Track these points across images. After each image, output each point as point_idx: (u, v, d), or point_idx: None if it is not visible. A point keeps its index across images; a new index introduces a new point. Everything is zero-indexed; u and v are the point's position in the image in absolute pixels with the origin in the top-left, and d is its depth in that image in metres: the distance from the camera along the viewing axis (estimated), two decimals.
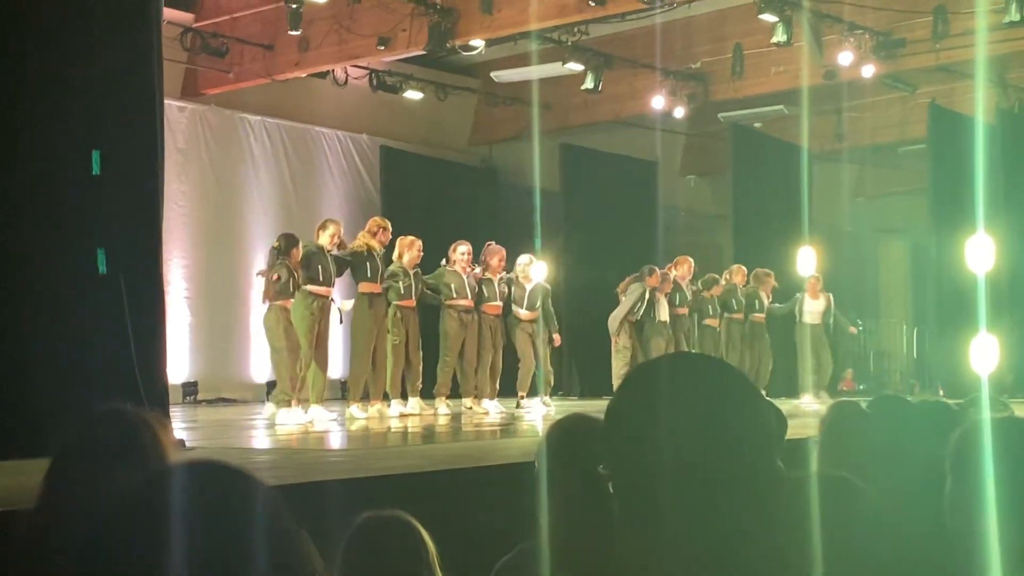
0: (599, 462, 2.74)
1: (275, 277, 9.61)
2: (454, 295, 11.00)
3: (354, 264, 10.43)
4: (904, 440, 3.64)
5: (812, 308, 13.87)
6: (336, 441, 8.47)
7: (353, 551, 2.70)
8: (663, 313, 12.84)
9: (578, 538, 2.70)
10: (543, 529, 2.72)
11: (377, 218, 10.89)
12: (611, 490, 1.57)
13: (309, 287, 9.82)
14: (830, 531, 1.86)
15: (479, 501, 4.62)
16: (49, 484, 2.29)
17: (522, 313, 11.70)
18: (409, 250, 10.67)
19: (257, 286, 10.74)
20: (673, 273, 13.27)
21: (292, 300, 9.68)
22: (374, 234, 10.54)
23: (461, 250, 11.09)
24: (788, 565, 1.51)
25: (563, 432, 2.89)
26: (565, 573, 2.64)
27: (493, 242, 11.72)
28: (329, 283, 10.00)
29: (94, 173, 6.35)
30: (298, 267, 9.71)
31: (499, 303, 11.48)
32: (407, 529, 2.71)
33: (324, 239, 10.07)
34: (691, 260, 13.55)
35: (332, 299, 10.11)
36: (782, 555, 1.52)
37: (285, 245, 9.74)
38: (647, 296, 12.63)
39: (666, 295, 12.93)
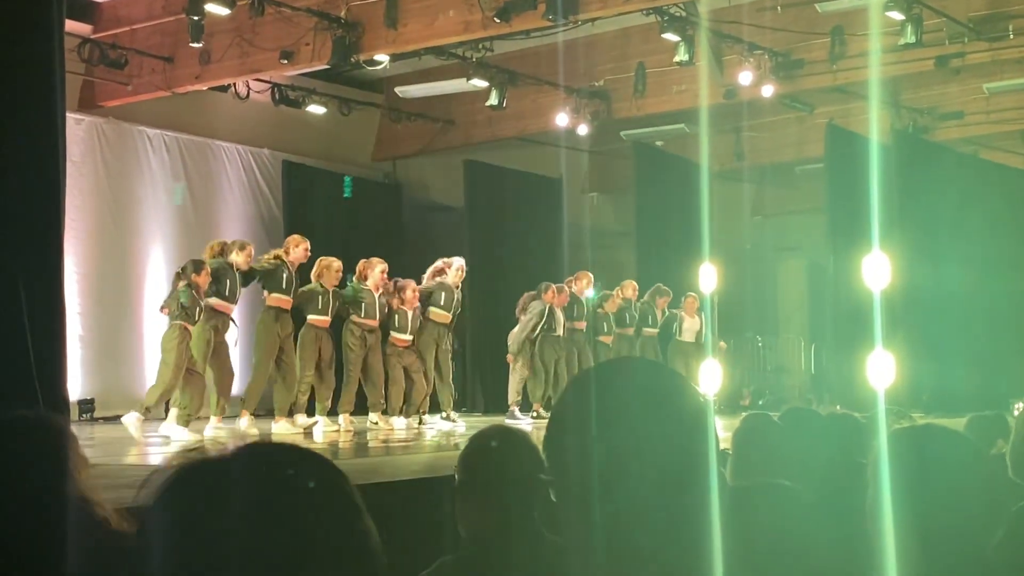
0: (525, 471, 2.73)
1: (164, 310, 9.80)
2: (363, 314, 11.03)
3: (265, 276, 10.42)
4: (814, 450, 3.69)
5: (689, 326, 14.25)
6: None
7: None
8: (559, 327, 13.00)
9: (507, 547, 2.68)
10: (474, 528, 2.69)
11: (297, 235, 10.91)
12: (552, 497, 1.54)
13: (214, 301, 9.77)
14: (768, 536, 1.86)
15: (392, 516, 4.56)
16: None
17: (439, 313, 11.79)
18: (328, 271, 10.76)
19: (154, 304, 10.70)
20: (572, 288, 13.42)
21: (193, 324, 9.65)
22: (293, 248, 10.52)
23: (379, 269, 11.13)
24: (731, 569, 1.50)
25: (486, 443, 2.88)
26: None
27: (400, 278, 11.76)
28: (233, 300, 10.06)
29: None
30: (203, 293, 9.68)
31: (410, 337, 11.56)
32: None
33: (240, 258, 10.05)
34: (591, 275, 13.71)
35: (232, 318, 10.19)
36: (723, 559, 1.51)
37: (192, 269, 9.71)
38: (546, 313, 12.76)
39: (562, 308, 13.07)
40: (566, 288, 13.26)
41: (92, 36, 13.08)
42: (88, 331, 13.46)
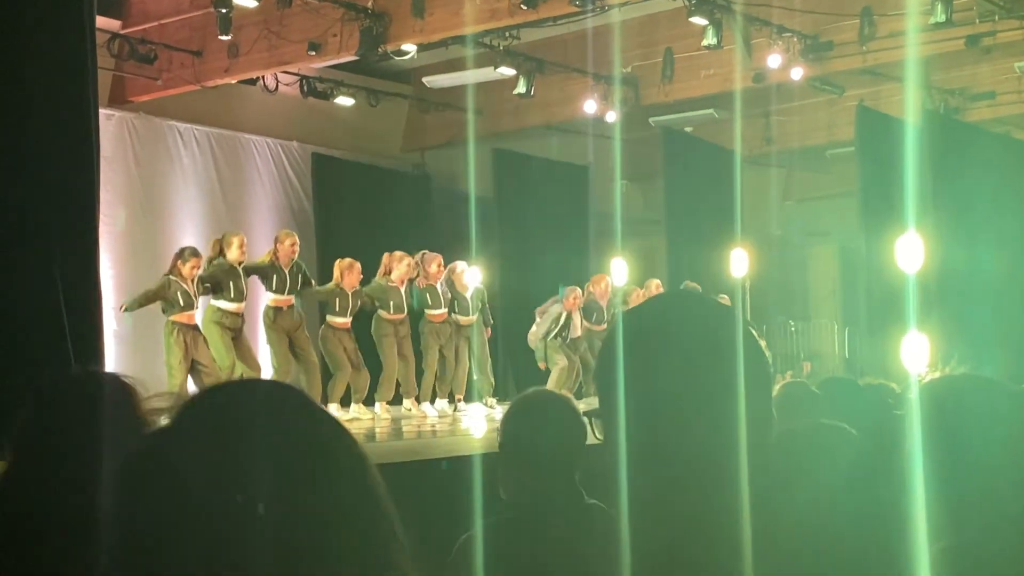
0: (566, 435, 2.73)
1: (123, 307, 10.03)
2: (391, 311, 11.07)
3: (259, 275, 10.55)
4: (852, 418, 3.66)
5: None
6: None
7: None
8: (576, 330, 12.99)
9: (547, 511, 2.68)
10: (515, 492, 2.69)
11: (284, 231, 11.04)
12: (596, 434, 1.53)
13: (222, 304, 9.97)
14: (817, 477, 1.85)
15: (427, 492, 4.58)
16: (20, 453, 2.19)
17: (461, 319, 11.82)
18: (350, 272, 10.84)
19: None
20: (592, 291, 13.43)
21: (189, 314, 9.76)
22: (279, 245, 10.60)
23: (405, 263, 11.16)
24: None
25: (528, 407, 2.88)
26: (532, 544, 2.62)
27: (427, 251, 11.76)
28: (240, 300, 10.17)
29: None
30: (187, 281, 9.73)
31: (444, 310, 11.57)
32: None
33: (234, 253, 10.10)
34: (608, 278, 13.65)
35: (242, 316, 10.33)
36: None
37: (178, 257, 9.81)
38: (563, 319, 12.76)
39: (579, 310, 13.05)
40: (581, 292, 13.20)
41: (122, 31, 13.15)
42: (122, 326, 13.53)
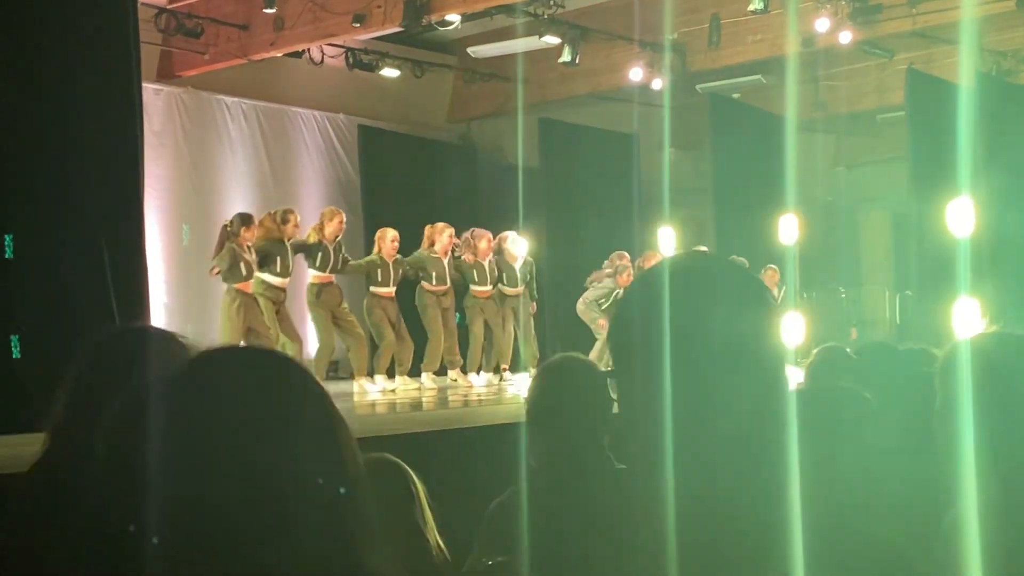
0: (594, 400, 2.73)
1: (214, 270, 9.84)
2: (434, 283, 11.11)
3: (307, 254, 10.60)
4: (890, 378, 3.62)
5: None
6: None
7: None
8: None
9: (575, 476, 2.68)
10: (543, 458, 2.69)
11: (331, 208, 11.05)
12: (612, 394, 1.53)
13: (266, 277, 10.03)
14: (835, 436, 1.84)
15: (469, 458, 4.61)
16: (70, 405, 2.23)
17: (508, 290, 11.85)
18: (383, 241, 10.90)
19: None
20: (641, 268, 13.38)
21: (248, 283, 9.75)
22: (327, 222, 10.63)
23: (447, 234, 11.19)
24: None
25: (556, 373, 2.88)
26: (557, 505, 2.62)
27: (476, 227, 11.79)
28: (285, 275, 10.24)
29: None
30: (248, 249, 9.77)
31: (489, 287, 11.62)
32: (395, 469, 2.69)
33: (289, 229, 10.23)
34: (659, 255, 13.59)
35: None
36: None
37: (239, 223, 9.81)
38: (614, 295, 12.73)
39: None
40: (631, 267, 13.15)
41: (168, 6, 13.23)
42: (172, 299, 13.68)
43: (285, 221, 10.25)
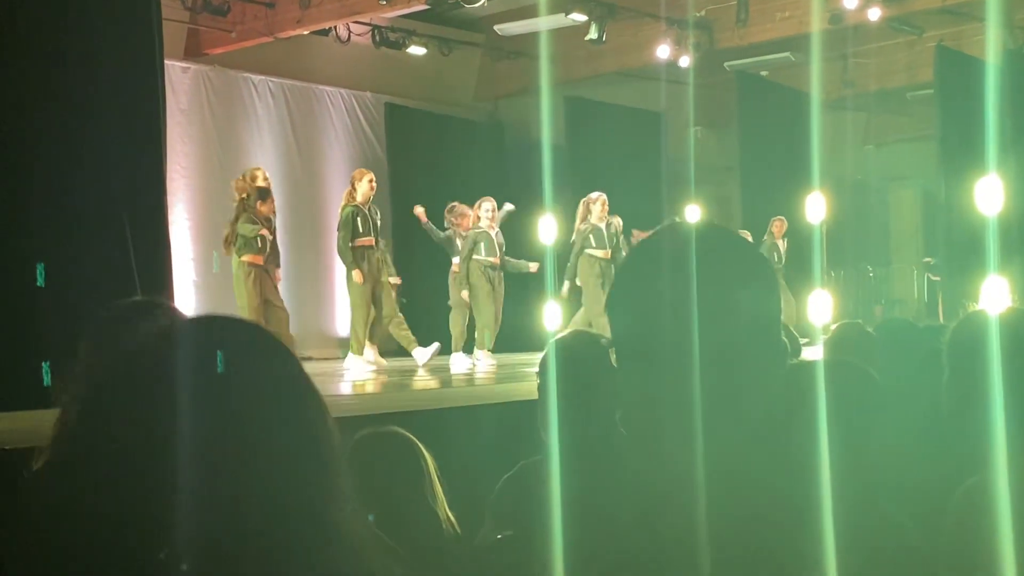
0: (603, 374, 2.73)
1: (225, 242, 9.84)
2: (483, 253, 11.19)
3: (349, 229, 10.62)
4: (906, 355, 3.62)
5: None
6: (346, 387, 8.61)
7: (353, 464, 2.69)
8: None
9: (585, 450, 2.70)
10: (552, 431, 2.71)
11: (360, 169, 11.11)
12: (613, 363, 1.54)
13: (358, 241, 10.26)
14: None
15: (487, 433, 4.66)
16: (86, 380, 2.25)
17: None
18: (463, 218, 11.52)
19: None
20: None
21: (263, 256, 9.73)
22: (358, 183, 10.67)
23: (487, 207, 11.25)
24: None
25: (565, 347, 2.89)
26: (569, 480, 2.63)
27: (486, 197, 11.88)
28: (369, 234, 10.41)
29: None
30: (265, 220, 9.76)
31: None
32: (405, 443, 2.71)
33: (359, 195, 10.43)
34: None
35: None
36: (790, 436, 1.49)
37: (257, 197, 9.78)
38: None
39: None
40: None
41: None
42: (201, 277, 13.75)
43: (254, 179, 10.18)
